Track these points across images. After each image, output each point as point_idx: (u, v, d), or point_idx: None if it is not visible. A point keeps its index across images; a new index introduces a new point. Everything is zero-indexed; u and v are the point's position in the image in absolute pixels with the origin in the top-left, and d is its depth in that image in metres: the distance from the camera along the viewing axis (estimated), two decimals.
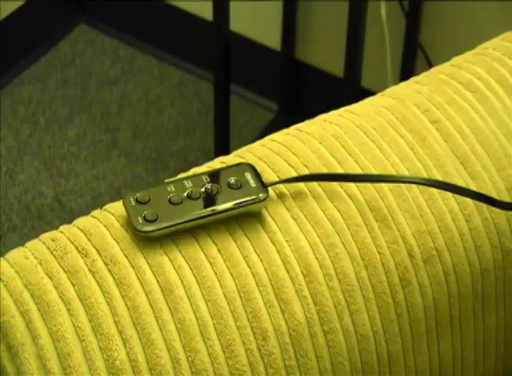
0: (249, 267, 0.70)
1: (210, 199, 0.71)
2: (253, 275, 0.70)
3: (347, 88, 1.36)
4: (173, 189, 0.72)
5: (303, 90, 1.69)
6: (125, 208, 0.70)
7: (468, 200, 0.78)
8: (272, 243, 0.71)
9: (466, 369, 0.82)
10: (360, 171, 0.77)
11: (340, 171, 0.76)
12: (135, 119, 1.68)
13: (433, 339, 0.77)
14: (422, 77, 0.89)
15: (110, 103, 1.70)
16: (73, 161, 1.61)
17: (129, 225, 0.70)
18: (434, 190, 0.77)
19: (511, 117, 0.86)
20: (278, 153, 0.78)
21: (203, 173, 0.74)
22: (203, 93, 1.72)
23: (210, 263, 0.69)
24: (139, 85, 1.73)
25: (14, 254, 0.69)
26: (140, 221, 0.69)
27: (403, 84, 0.89)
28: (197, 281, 0.68)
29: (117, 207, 0.72)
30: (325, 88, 1.64)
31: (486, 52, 0.91)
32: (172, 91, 1.72)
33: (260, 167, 0.75)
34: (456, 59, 0.91)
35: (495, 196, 0.80)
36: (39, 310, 0.65)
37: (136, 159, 1.61)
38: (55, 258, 0.68)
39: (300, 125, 0.82)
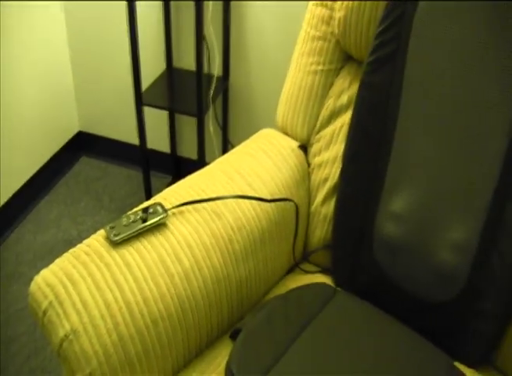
0: (164, 249, 0.69)
1: (142, 220, 0.70)
2: (166, 251, 0.69)
3: (200, 164, 1.33)
4: (125, 220, 0.70)
5: (182, 168, 1.66)
6: (105, 232, 0.69)
7: (254, 202, 0.78)
8: (173, 236, 0.70)
9: (258, 276, 0.79)
10: (206, 197, 0.76)
11: (199, 198, 0.75)
12: (114, 195, 1.62)
13: (244, 263, 0.76)
14: (228, 154, 0.87)
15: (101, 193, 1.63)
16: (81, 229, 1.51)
17: (107, 239, 0.69)
18: (240, 200, 0.78)
19: (270, 159, 0.86)
20: (171, 195, 0.76)
21: (138, 210, 0.72)
22: (140, 179, 1.67)
23: (145, 248, 0.68)
24: (112, 182, 1.66)
25: (58, 262, 0.66)
26: (112, 236, 0.68)
27: (223, 157, 0.87)
28: (140, 257, 0.67)
29: (101, 232, 0.70)
30: (191, 166, 1.62)
31: (255, 138, 0.90)
32: (138, 183, 1.65)
33: (164, 202, 0.74)
34: (243, 144, 0.89)
35: (264, 197, 0.80)
36: (71, 284, 0.63)
37: (112, 214, 1.55)
38: (75, 258, 0.66)
39: (180, 182, 0.80)
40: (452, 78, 0.69)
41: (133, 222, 0.70)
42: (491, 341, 0.73)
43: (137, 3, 1.41)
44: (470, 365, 0.75)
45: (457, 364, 0.75)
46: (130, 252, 0.68)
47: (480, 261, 0.70)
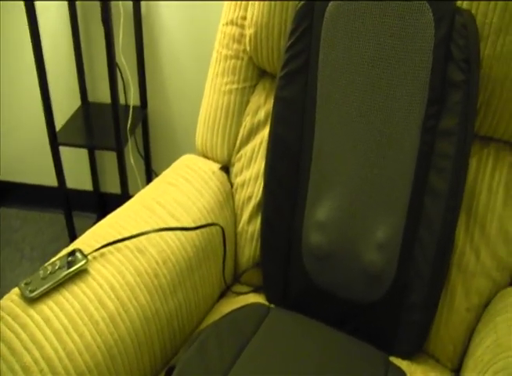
0: (86, 296, 0.67)
1: (61, 270, 0.67)
2: (88, 298, 0.67)
3: (124, 198, 1.30)
4: (42, 272, 0.67)
5: (108, 204, 1.63)
6: (19, 289, 0.66)
7: (178, 231, 0.78)
8: (95, 281, 0.69)
9: (189, 307, 0.79)
10: (128, 235, 0.74)
11: (120, 237, 0.73)
12: (36, 242, 1.55)
13: (173, 295, 0.75)
14: (148, 187, 0.86)
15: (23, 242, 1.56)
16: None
17: (22, 296, 0.65)
18: (163, 233, 0.76)
19: (191, 185, 0.84)
20: (90, 238, 0.74)
21: (56, 260, 0.69)
22: (63, 222, 1.62)
23: (66, 299, 0.66)
24: (32, 230, 1.60)
25: None
26: (28, 293, 0.65)
27: (144, 189, 0.85)
28: (61, 309, 0.65)
29: (15, 290, 0.66)
30: (115, 201, 1.56)
31: (175, 166, 0.91)
32: (62, 227, 1.60)
33: (83, 246, 0.72)
34: (163, 174, 0.89)
35: (188, 225, 0.79)
36: None
37: (35, 263, 1.48)
38: None
39: (99, 222, 0.78)
40: (362, 85, 0.71)
41: (51, 273, 0.68)
42: (422, 331, 0.76)
43: (44, 41, 1.39)
44: (404, 357, 0.78)
45: (393, 358, 0.78)
46: (49, 306, 0.65)
47: (404, 256, 0.73)
